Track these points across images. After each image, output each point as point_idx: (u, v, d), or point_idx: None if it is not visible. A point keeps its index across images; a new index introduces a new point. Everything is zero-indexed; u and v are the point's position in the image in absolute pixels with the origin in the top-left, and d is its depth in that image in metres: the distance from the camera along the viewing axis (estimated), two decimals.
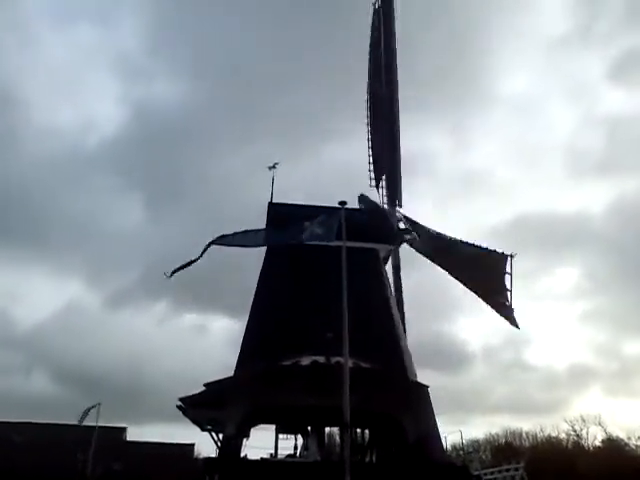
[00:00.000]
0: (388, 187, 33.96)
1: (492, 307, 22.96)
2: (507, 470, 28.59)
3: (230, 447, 23.89)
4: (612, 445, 53.45)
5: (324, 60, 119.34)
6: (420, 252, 30.58)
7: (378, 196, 35.06)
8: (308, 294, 27.30)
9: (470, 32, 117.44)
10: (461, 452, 45.28)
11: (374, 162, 36.32)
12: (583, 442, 57.30)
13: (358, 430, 31.69)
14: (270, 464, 27.09)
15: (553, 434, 60.31)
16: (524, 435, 61.84)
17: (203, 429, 25.61)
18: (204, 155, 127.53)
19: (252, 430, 27.40)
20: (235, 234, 13.82)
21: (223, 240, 13.90)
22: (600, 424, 56.17)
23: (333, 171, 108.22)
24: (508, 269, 21.08)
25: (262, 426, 29.94)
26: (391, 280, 32.98)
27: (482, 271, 22.90)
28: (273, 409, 24.93)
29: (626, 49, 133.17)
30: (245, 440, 26.49)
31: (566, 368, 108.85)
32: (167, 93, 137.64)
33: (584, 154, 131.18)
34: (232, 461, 23.30)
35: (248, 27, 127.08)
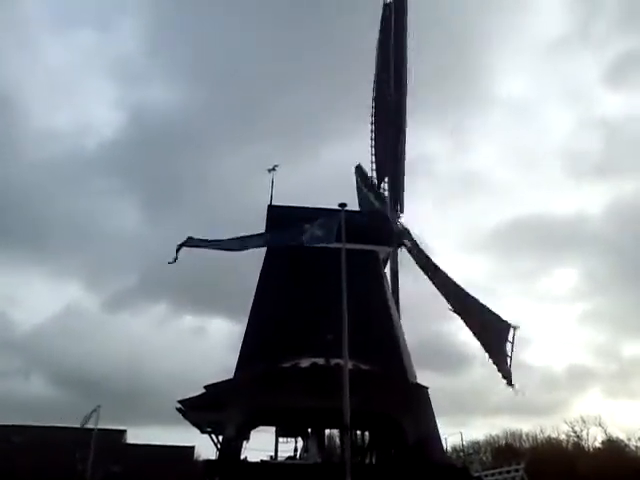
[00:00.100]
0: (390, 192, 33.78)
1: (493, 362, 23.50)
2: (507, 471, 28.52)
3: (230, 449, 23.86)
4: (612, 446, 53.40)
5: (323, 61, 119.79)
6: (417, 264, 30.62)
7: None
8: (308, 296, 27.31)
9: (469, 34, 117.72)
10: (461, 454, 45.22)
11: (376, 165, 36.24)
12: (583, 443, 57.25)
13: (358, 432, 31.68)
14: (270, 466, 27.06)
15: (553, 435, 60.32)
16: (524, 436, 61.83)
17: (203, 431, 25.58)
18: (203, 157, 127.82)
19: (252, 432, 27.39)
20: (235, 238, 13.72)
21: (222, 244, 13.79)
22: (600, 425, 56.20)
23: (332, 172, 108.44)
24: (510, 337, 22.04)
25: (262, 428, 29.93)
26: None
27: (487, 330, 23.99)
28: (273, 411, 24.91)
29: (623, 52, 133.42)
30: (245, 442, 26.48)
31: (566, 369, 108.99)
32: (165, 95, 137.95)
33: (582, 156, 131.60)
34: (232, 463, 23.27)
35: (247, 29, 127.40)
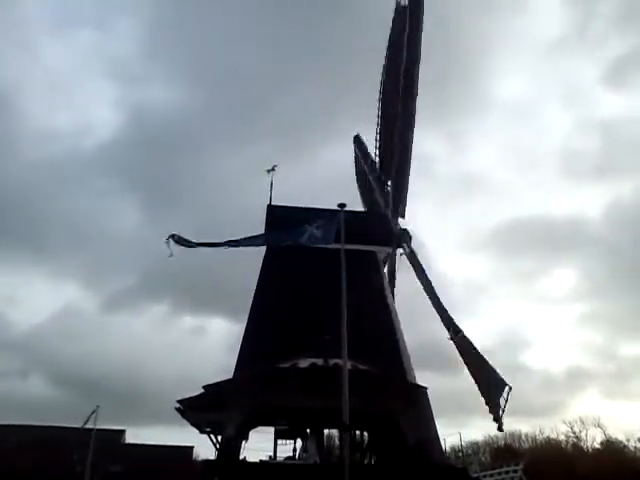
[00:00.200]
0: (393, 197, 33.55)
1: (485, 402, 23.89)
2: (506, 472, 28.57)
3: (229, 449, 23.83)
4: (611, 447, 53.41)
5: (323, 61, 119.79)
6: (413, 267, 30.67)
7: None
8: (307, 296, 27.29)
9: (468, 35, 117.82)
10: (460, 454, 45.31)
11: (379, 168, 35.97)
12: (582, 444, 57.28)
13: (357, 432, 31.68)
14: (269, 466, 27.09)
15: (552, 436, 60.37)
16: (523, 437, 61.90)
17: (202, 431, 25.56)
18: (202, 157, 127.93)
19: (251, 432, 27.37)
20: (234, 240, 13.64)
21: (220, 245, 13.69)
22: (599, 426, 56.21)
23: (332, 173, 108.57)
24: (505, 395, 22.24)
25: (261, 428, 29.92)
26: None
27: (482, 376, 24.15)
28: (272, 411, 24.91)
29: (621, 52, 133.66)
30: (244, 442, 26.46)
31: (564, 370, 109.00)
32: (165, 95, 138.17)
33: (581, 156, 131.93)
34: (231, 463, 23.24)
35: (246, 30, 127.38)
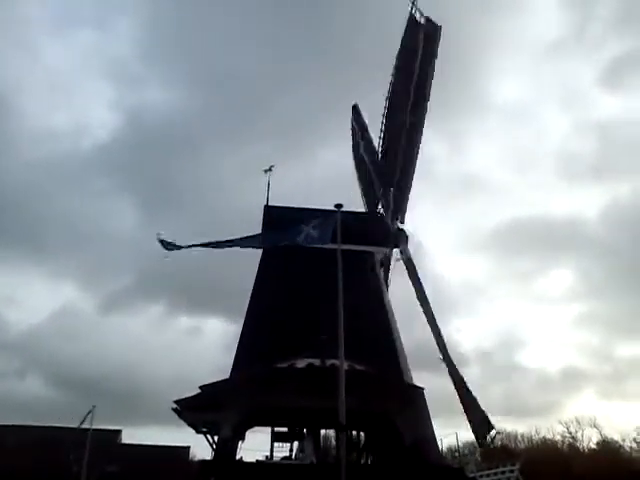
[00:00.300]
0: (395, 203, 33.04)
1: (470, 426, 24.64)
2: (502, 472, 28.59)
3: (226, 449, 23.83)
4: (607, 447, 53.52)
5: (323, 62, 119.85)
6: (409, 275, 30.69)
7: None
8: (304, 297, 27.32)
9: (467, 36, 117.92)
10: (457, 454, 45.34)
11: (382, 174, 35.54)
12: (578, 444, 57.39)
13: (354, 432, 31.71)
14: (266, 466, 27.09)
15: (548, 436, 60.48)
16: (519, 437, 62.04)
17: (198, 431, 25.56)
18: (200, 158, 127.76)
19: (248, 432, 27.38)
20: (231, 240, 13.60)
21: (218, 245, 13.64)
22: (595, 426, 56.33)
23: (330, 173, 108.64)
24: (492, 434, 23.40)
25: (258, 428, 29.93)
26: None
27: (472, 419, 24.58)
28: (269, 411, 24.92)
29: (618, 54, 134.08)
30: (241, 442, 26.46)
31: (560, 370, 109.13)
32: (163, 96, 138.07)
33: (579, 158, 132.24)
34: (228, 463, 23.25)
35: (246, 30, 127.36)
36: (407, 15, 31.25)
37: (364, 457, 32.22)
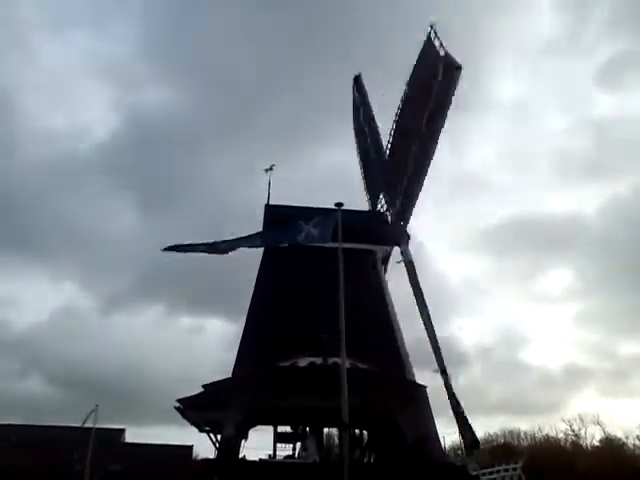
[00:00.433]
0: (400, 209, 32.73)
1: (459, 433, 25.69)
2: (505, 470, 28.65)
3: (229, 448, 23.87)
4: (610, 445, 53.41)
5: (322, 62, 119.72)
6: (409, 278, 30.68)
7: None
8: (305, 295, 27.33)
9: (466, 37, 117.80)
10: (460, 452, 45.32)
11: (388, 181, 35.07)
12: (581, 442, 57.23)
13: (357, 431, 31.72)
14: (269, 465, 27.09)
15: (551, 434, 60.34)
16: (522, 435, 61.86)
17: (201, 430, 25.59)
18: (199, 158, 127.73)
19: (251, 431, 27.41)
20: (231, 240, 13.56)
21: (216, 246, 13.58)
22: (598, 424, 56.21)
23: (331, 173, 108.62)
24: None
25: (261, 427, 29.96)
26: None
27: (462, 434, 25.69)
28: (271, 410, 24.94)
29: (615, 54, 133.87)
30: (244, 441, 26.51)
31: (563, 368, 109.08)
32: (162, 97, 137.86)
33: (576, 157, 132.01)
34: (231, 462, 23.28)
35: (245, 30, 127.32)
36: (425, 35, 30.27)
37: (367, 456, 32.25)
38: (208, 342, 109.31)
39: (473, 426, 25.26)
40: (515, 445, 58.52)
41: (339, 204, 14.27)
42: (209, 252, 13.45)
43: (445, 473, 23.67)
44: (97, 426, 31.61)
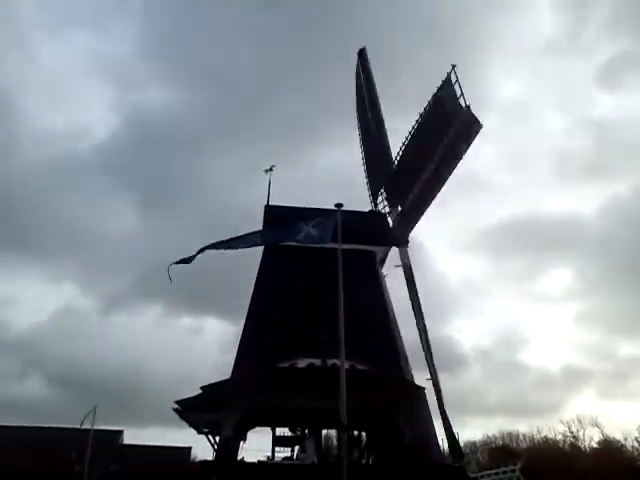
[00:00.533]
0: (403, 221, 32.57)
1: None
2: (504, 472, 28.61)
3: (227, 450, 23.84)
4: (609, 446, 53.46)
5: (322, 62, 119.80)
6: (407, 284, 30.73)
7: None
8: (305, 296, 27.30)
9: (466, 37, 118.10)
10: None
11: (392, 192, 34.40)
12: (580, 444, 57.34)
13: (355, 432, 31.71)
14: (267, 466, 27.09)
15: (550, 436, 60.39)
16: (521, 437, 61.93)
17: (200, 432, 25.57)
18: (200, 158, 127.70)
19: (249, 433, 27.39)
20: (231, 239, 13.56)
21: (217, 246, 13.57)
22: (597, 425, 56.25)
23: (331, 174, 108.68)
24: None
25: (259, 429, 29.93)
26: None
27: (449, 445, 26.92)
28: (270, 411, 24.92)
29: (615, 54, 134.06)
30: (242, 443, 26.48)
31: (561, 369, 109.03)
32: (162, 97, 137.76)
33: (575, 157, 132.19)
34: (229, 464, 23.26)
35: (243, 31, 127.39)
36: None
37: (365, 457, 32.22)
38: (207, 342, 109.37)
39: (459, 438, 26.41)
40: (514, 447, 58.54)
41: (339, 205, 14.29)
42: (217, 248, 13.33)
43: (444, 474, 23.65)
44: (95, 427, 31.59)
